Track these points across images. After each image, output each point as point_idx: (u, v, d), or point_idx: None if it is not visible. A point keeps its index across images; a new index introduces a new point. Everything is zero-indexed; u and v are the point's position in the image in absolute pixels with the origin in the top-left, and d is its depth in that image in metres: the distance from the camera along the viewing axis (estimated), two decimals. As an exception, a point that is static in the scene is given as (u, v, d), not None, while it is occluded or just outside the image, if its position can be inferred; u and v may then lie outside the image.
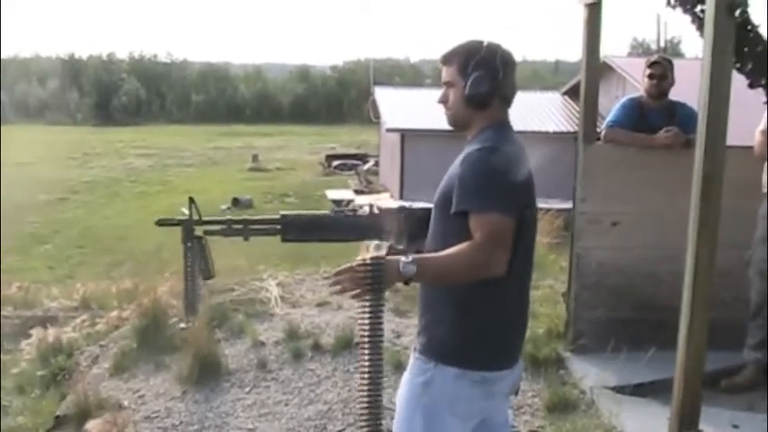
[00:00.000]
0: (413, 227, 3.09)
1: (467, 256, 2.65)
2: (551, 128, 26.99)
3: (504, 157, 2.75)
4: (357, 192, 30.49)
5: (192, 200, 3.34)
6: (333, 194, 28.80)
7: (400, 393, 3.00)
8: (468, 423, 2.92)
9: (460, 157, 2.81)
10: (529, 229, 2.88)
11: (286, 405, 5.27)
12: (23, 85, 68.37)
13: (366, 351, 2.85)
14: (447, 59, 2.92)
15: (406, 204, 3.28)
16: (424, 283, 2.85)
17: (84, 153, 44.58)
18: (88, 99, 67.60)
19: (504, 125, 2.91)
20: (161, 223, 3.40)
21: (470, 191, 2.70)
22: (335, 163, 38.99)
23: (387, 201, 24.98)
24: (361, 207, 3.28)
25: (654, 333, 4.96)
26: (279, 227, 3.27)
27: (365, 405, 2.91)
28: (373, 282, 2.66)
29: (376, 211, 3.22)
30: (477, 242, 2.64)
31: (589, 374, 5.24)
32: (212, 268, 3.44)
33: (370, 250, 2.79)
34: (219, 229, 3.33)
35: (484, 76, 2.82)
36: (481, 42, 2.88)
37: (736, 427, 4.63)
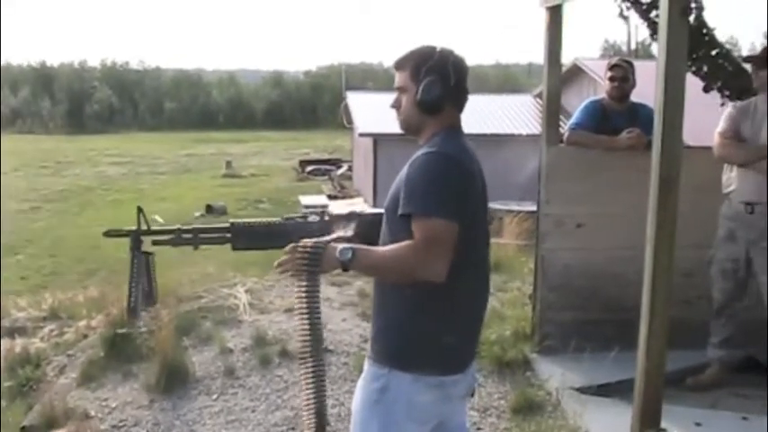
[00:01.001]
0: (364, 232, 3.10)
1: (400, 256, 2.68)
2: (524, 130, 27.07)
3: (451, 162, 2.76)
4: (331, 197, 30.49)
5: (140, 209, 3.32)
6: (306, 200, 28.74)
7: (355, 399, 3.00)
8: (425, 427, 2.93)
9: (409, 161, 2.82)
10: (479, 234, 2.89)
11: (253, 412, 5.26)
12: (-6, 93, 67.83)
13: (304, 330, 2.84)
14: (400, 65, 2.94)
15: (357, 210, 3.28)
16: (361, 273, 2.94)
17: (57, 161, 44.31)
18: (60, 107, 67.18)
19: (455, 131, 2.92)
20: (109, 234, 3.39)
21: (413, 194, 2.71)
22: (309, 168, 38.98)
23: (362, 205, 25.01)
24: (310, 214, 3.28)
25: (620, 333, 4.98)
26: (228, 235, 3.25)
27: (308, 399, 2.89)
28: (310, 263, 2.72)
29: (326, 217, 3.22)
30: (412, 244, 2.67)
31: (555, 376, 5.27)
32: (155, 293, 3.44)
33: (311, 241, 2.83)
34: (169, 239, 3.32)
35: (436, 82, 2.83)
36: (434, 48, 2.90)
37: (698, 424, 4.66)
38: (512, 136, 26.10)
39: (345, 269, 2.77)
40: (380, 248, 2.79)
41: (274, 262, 2.80)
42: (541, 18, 5.64)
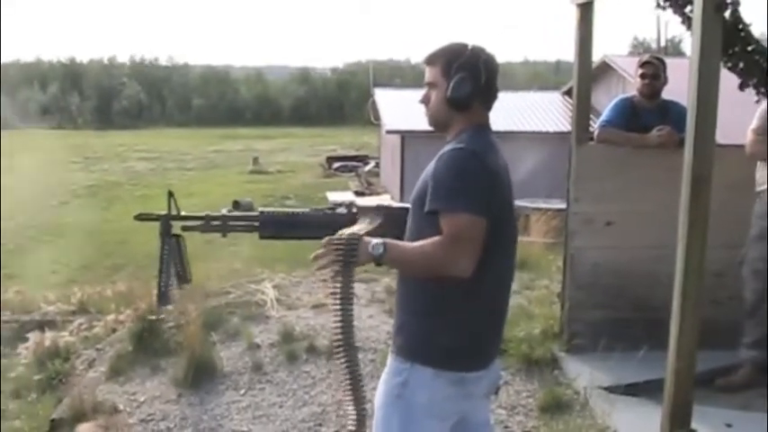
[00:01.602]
0: (391, 225, 3.09)
1: (428, 252, 2.69)
2: (551, 128, 26.98)
3: (478, 159, 2.76)
4: (358, 193, 30.47)
5: (171, 194, 3.32)
6: (333, 196, 28.74)
7: (378, 393, 3.00)
8: (446, 423, 2.92)
9: (436, 157, 2.82)
10: (505, 231, 2.87)
11: (280, 407, 5.27)
12: (25, 89, 68.43)
13: (338, 323, 2.79)
14: (431, 60, 2.93)
15: (385, 203, 3.27)
16: (391, 267, 2.91)
17: (86, 157, 44.60)
18: (89, 103, 67.68)
19: (483, 128, 2.92)
20: (139, 218, 3.39)
21: (441, 190, 2.72)
22: (336, 165, 38.98)
23: (389, 201, 25.01)
24: (339, 205, 3.27)
25: (649, 333, 4.95)
26: (257, 223, 3.25)
27: (346, 390, 2.85)
28: (346, 255, 2.70)
29: (354, 209, 3.21)
30: (440, 241, 2.67)
31: (583, 374, 5.23)
32: (189, 273, 3.43)
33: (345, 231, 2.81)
34: (198, 225, 3.31)
35: (466, 79, 2.82)
36: (465, 45, 2.89)
37: (729, 425, 4.62)
38: (539, 133, 26.02)
39: (378, 264, 2.76)
40: (410, 244, 2.79)
41: (310, 255, 2.79)
42: (572, 15, 5.61)
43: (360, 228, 2.89)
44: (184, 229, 3.30)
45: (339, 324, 2.78)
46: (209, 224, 3.31)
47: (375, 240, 2.73)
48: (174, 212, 3.30)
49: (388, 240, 2.77)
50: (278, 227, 3.26)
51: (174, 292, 3.69)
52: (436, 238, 2.68)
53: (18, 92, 67.44)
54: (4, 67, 71.87)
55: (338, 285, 2.75)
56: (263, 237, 3.27)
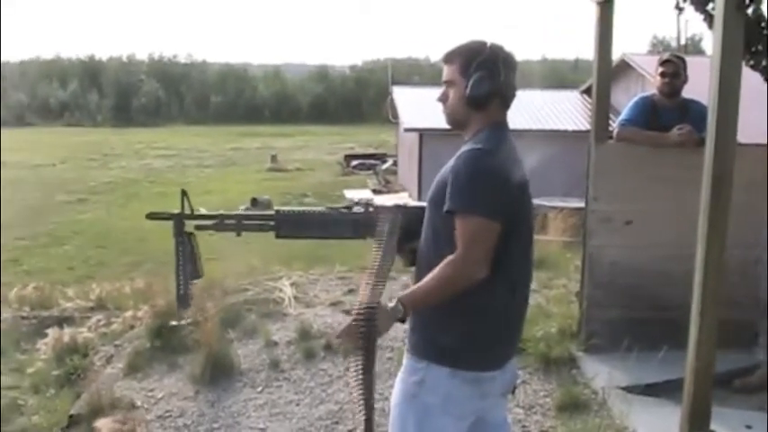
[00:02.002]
0: (408, 224, 3.08)
1: (446, 277, 2.70)
2: (570, 126, 26.88)
3: (496, 160, 2.75)
4: (375, 191, 30.47)
5: (184, 192, 3.29)
6: (351, 194, 28.76)
7: (394, 393, 3.00)
8: (462, 422, 2.92)
9: (455, 155, 2.81)
10: (522, 231, 2.87)
11: (297, 405, 5.28)
12: (44, 86, 68.80)
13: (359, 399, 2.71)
14: (449, 58, 2.92)
15: (402, 202, 3.26)
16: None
17: (104, 154, 44.76)
18: (108, 100, 67.94)
19: (501, 127, 2.91)
20: (151, 217, 3.37)
21: (458, 191, 2.71)
22: (354, 163, 38.94)
23: (407, 199, 25.00)
24: (356, 204, 3.25)
25: (667, 332, 4.92)
26: (272, 223, 3.23)
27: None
28: (368, 330, 2.66)
29: (371, 208, 3.19)
30: (454, 258, 2.69)
31: (601, 374, 5.21)
32: (200, 268, 3.40)
33: (364, 289, 2.76)
34: (212, 224, 3.29)
35: (485, 77, 2.81)
36: (484, 43, 2.88)
37: (749, 427, 4.60)
38: (558, 132, 25.92)
39: (403, 321, 2.77)
40: (424, 281, 2.77)
41: (336, 334, 2.75)
42: (591, 13, 5.59)
43: (374, 293, 2.81)
44: (198, 228, 3.28)
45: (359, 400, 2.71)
46: (223, 223, 3.29)
47: (391, 304, 2.71)
48: (187, 211, 3.28)
49: (403, 294, 2.76)
50: (294, 226, 3.24)
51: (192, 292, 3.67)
52: (448, 259, 2.69)
53: (38, 89, 67.85)
54: (24, 65, 72.48)
55: (360, 359, 2.69)
56: (278, 236, 3.25)
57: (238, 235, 3.30)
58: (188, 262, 3.33)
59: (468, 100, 2.85)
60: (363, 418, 2.71)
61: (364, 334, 2.65)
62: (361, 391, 2.69)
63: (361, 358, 2.67)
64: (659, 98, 5.74)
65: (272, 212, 3.25)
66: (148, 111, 67.91)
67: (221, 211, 3.34)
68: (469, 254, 2.66)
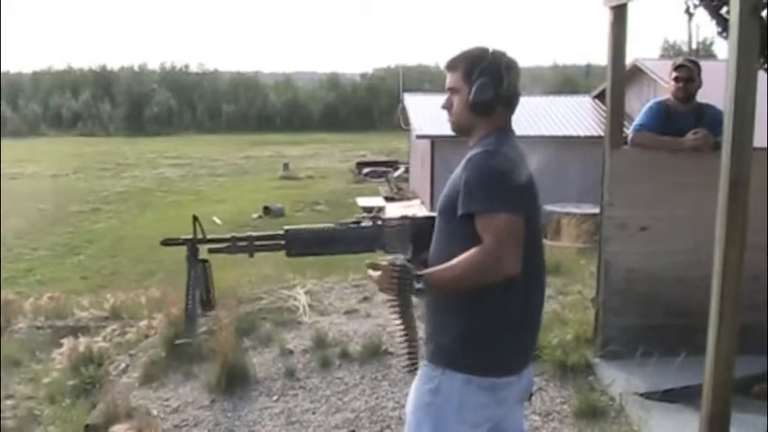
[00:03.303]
0: (417, 236, 3.10)
1: (477, 262, 2.66)
2: (582, 132, 26.84)
3: (507, 160, 2.76)
4: (387, 199, 30.51)
5: (195, 218, 3.31)
6: (363, 202, 28.81)
7: (409, 400, 3.00)
8: (478, 429, 2.91)
9: (463, 162, 2.81)
10: (534, 234, 2.87)
11: (314, 413, 5.26)
12: (57, 96, 69.17)
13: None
14: (452, 65, 2.93)
15: (410, 214, 3.27)
16: (439, 294, 2.84)
17: (117, 164, 44.98)
18: (120, 110, 68.32)
19: (506, 132, 2.91)
20: (166, 243, 3.38)
21: (476, 193, 2.70)
22: (366, 170, 39.01)
23: (417, 208, 24.99)
24: (363, 219, 3.26)
25: (684, 338, 4.89)
26: (283, 242, 3.24)
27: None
28: (401, 288, 2.71)
29: (379, 222, 3.21)
30: (485, 246, 2.65)
31: (618, 381, 5.18)
32: (213, 299, 3.42)
33: (397, 258, 2.82)
34: (224, 247, 3.31)
35: (488, 83, 2.82)
36: (486, 49, 2.89)
37: (769, 433, 4.56)
38: (570, 138, 25.88)
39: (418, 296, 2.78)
40: (450, 264, 2.73)
41: (369, 273, 2.79)
42: (604, 17, 5.57)
43: (397, 259, 2.84)
44: (210, 251, 3.30)
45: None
46: (235, 246, 3.30)
47: (414, 277, 2.71)
48: (199, 236, 3.30)
49: (428, 272, 2.75)
50: (304, 244, 3.25)
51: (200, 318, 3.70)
52: (478, 247, 2.66)
53: (50, 99, 68.21)
54: (37, 75, 72.85)
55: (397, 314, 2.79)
56: (289, 255, 3.27)
57: (251, 256, 3.32)
58: (198, 287, 3.35)
59: (472, 106, 2.86)
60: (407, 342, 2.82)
61: (398, 288, 2.71)
62: (401, 324, 2.79)
63: (398, 306, 2.77)
64: (673, 103, 5.72)
65: (281, 232, 3.26)
66: (160, 120, 68.25)
67: (232, 234, 3.35)
68: (503, 247, 2.64)
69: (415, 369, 2.84)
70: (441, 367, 2.86)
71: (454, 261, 2.71)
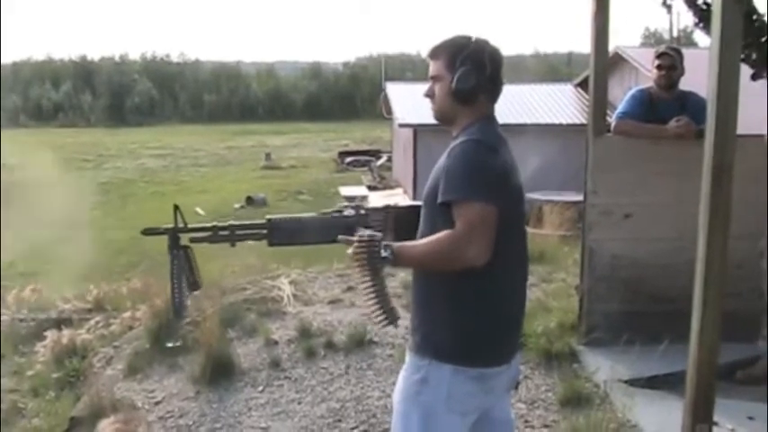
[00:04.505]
0: (399, 225, 3.10)
1: (441, 244, 2.69)
2: (564, 120, 26.88)
3: (489, 149, 2.76)
4: (370, 188, 30.46)
5: (176, 207, 3.29)
6: (346, 191, 28.76)
7: (397, 390, 3.00)
8: (467, 419, 2.91)
9: (446, 151, 2.82)
10: (517, 223, 2.88)
11: (299, 404, 5.26)
12: (37, 87, 68.70)
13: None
14: (434, 54, 2.92)
15: (392, 202, 3.27)
16: (404, 269, 2.88)
17: (99, 155, 44.70)
18: (101, 100, 67.86)
19: (489, 120, 2.90)
20: (147, 233, 3.37)
21: (453, 182, 2.71)
22: (348, 159, 38.93)
23: (400, 197, 25.00)
24: (346, 208, 3.25)
25: (668, 325, 4.90)
26: (265, 231, 3.23)
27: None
28: (369, 257, 2.73)
29: (362, 211, 3.20)
30: (452, 232, 2.67)
31: (603, 368, 5.21)
32: (199, 279, 3.41)
33: (365, 232, 2.82)
34: (206, 236, 3.29)
35: (471, 71, 2.81)
36: (469, 38, 2.88)
37: (751, 418, 4.61)
38: (552, 126, 25.91)
39: (393, 266, 2.79)
40: (421, 241, 2.79)
41: (348, 251, 2.80)
42: (586, 6, 5.57)
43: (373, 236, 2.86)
44: (192, 240, 3.28)
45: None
46: (217, 235, 3.28)
47: (383, 244, 2.75)
48: (180, 225, 3.28)
49: (396, 245, 2.78)
50: (287, 233, 3.23)
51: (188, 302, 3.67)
52: (448, 231, 2.68)
53: (30, 90, 67.74)
54: (17, 66, 72.38)
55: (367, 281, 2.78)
56: (271, 244, 3.25)
57: (233, 245, 3.30)
58: (183, 275, 3.33)
59: (454, 94, 2.85)
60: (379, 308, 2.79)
61: (368, 261, 2.73)
62: (370, 284, 2.77)
63: (368, 279, 2.76)
64: (656, 91, 5.74)
65: (264, 222, 3.25)
66: (142, 110, 67.84)
67: (214, 223, 3.33)
68: (469, 235, 2.64)
69: (393, 320, 2.82)
70: (428, 358, 2.86)
71: (424, 240, 2.76)
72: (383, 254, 2.72)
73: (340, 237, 2.87)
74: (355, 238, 2.78)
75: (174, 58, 79.52)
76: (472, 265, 2.65)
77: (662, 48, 5.90)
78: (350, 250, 2.79)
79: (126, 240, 20.79)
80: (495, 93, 2.92)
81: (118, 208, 28.84)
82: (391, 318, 2.79)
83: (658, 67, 5.69)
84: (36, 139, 48.59)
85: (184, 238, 3.27)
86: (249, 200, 27.56)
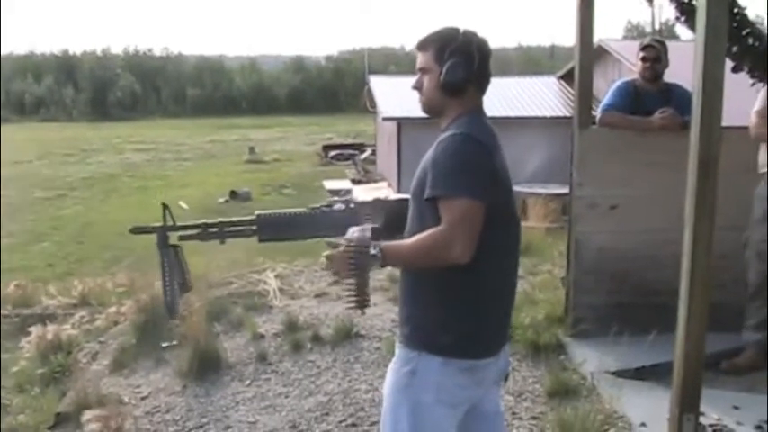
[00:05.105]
0: (389, 219, 3.09)
1: (427, 243, 2.68)
2: (547, 113, 26.92)
3: (477, 143, 2.74)
4: (355, 181, 30.43)
5: (165, 206, 3.27)
6: (330, 185, 28.73)
7: (386, 382, 2.99)
8: (456, 411, 2.91)
9: (434, 144, 2.80)
10: (506, 216, 2.86)
11: (286, 397, 5.26)
12: (19, 82, 68.30)
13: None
14: (423, 46, 2.91)
15: (382, 197, 3.26)
16: (395, 267, 2.90)
17: (81, 149, 44.48)
18: (84, 95, 67.53)
19: (478, 113, 2.89)
20: (135, 231, 3.35)
21: (440, 176, 2.70)
22: (332, 153, 38.87)
23: (386, 190, 24.99)
24: (335, 202, 3.25)
25: (655, 317, 4.92)
26: (254, 228, 3.22)
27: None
28: (356, 264, 2.72)
29: (352, 205, 3.19)
30: (437, 230, 2.66)
31: (590, 359, 5.23)
32: (189, 281, 3.40)
33: (354, 233, 2.81)
34: (195, 234, 3.28)
35: (459, 64, 2.80)
36: (457, 30, 2.87)
37: (736, 408, 4.62)
38: (535, 119, 25.95)
39: (381, 267, 2.80)
40: (406, 241, 2.78)
41: (322, 255, 2.80)
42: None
43: (365, 228, 2.86)
44: (181, 238, 3.27)
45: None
46: (206, 232, 3.27)
47: (372, 250, 2.74)
48: (169, 223, 3.26)
49: (385, 244, 2.77)
50: (276, 229, 3.22)
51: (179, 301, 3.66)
52: (434, 229, 2.67)
53: (12, 85, 67.33)
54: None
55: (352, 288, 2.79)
56: (261, 240, 3.25)
57: (222, 242, 3.30)
58: (174, 273, 3.32)
59: (442, 87, 2.84)
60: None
61: (354, 269, 2.73)
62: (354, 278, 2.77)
63: (354, 285, 2.78)
64: (641, 83, 5.76)
65: (253, 218, 3.24)
66: (125, 105, 67.56)
67: (203, 221, 3.32)
68: (454, 233, 2.63)
69: (363, 308, 2.83)
70: (417, 350, 2.85)
71: (410, 239, 2.75)
72: (372, 252, 2.72)
73: (326, 240, 2.85)
74: (343, 242, 2.77)
75: (157, 52, 79.25)
76: (456, 262, 2.65)
77: (647, 40, 5.92)
78: (335, 251, 2.78)
79: (110, 235, 20.70)
80: (483, 85, 2.90)
81: (102, 202, 28.73)
82: (362, 306, 2.81)
83: (643, 59, 5.70)
84: (18, 134, 48.38)
85: (173, 236, 3.27)
86: (233, 194, 27.49)
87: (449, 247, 2.63)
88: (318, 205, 3.25)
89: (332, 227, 3.00)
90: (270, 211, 3.28)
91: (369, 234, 2.80)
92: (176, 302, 3.42)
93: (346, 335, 6.00)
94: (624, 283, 5.57)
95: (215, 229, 3.28)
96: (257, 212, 3.26)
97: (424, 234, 2.69)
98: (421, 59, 2.92)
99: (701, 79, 3.69)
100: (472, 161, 2.70)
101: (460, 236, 2.63)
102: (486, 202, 2.68)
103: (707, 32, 3.65)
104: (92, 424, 4.97)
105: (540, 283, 6.84)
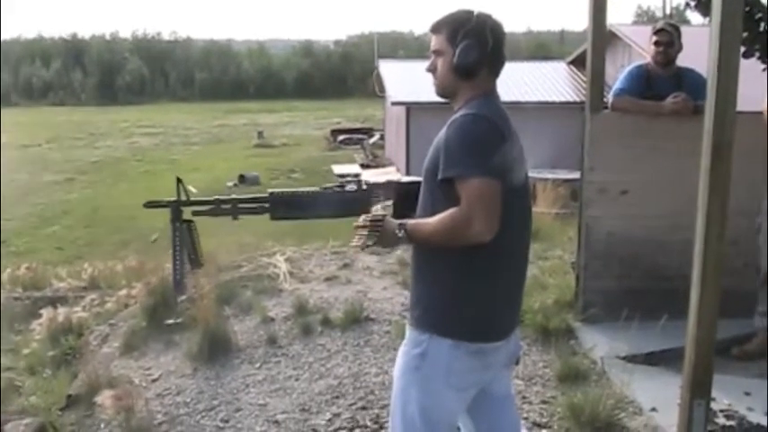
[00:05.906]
0: (401, 200, 3.10)
1: (448, 222, 2.70)
2: (557, 98, 26.86)
3: (488, 123, 2.74)
4: (363, 166, 30.43)
5: (179, 181, 3.29)
6: (339, 169, 28.72)
7: (397, 365, 2.99)
8: (465, 393, 2.92)
9: (446, 125, 2.80)
10: (519, 199, 2.86)
11: (296, 380, 5.26)
12: (27, 66, 68.38)
13: None
14: (436, 28, 2.90)
15: (394, 179, 3.27)
16: (416, 247, 2.91)
17: (90, 133, 44.59)
18: (92, 79, 67.63)
19: (491, 96, 2.88)
20: (149, 205, 3.36)
21: (455, 157, 2.70)
22: (341, 137, 38.89)
23: (395, 174, 24.96)
24: (348, 183, 3.25)
25: (665, 302, 4.89)
26: (267, 205, 3.22)
27: None
28: (372, 234, 2.80)
29: (364, 186, 3.19)
30: (460, 209, 2.67)
31: (600, 344, 5.22)
32: (201, 257, 3.41)
33: (378, 209, 2.82)
34: (208, 209, 3.28)
35: (473, 46, 2.79)
36: (471, 12, 2.85)
37: (748, 394, 4.61)
38: (545, 104, 25.90)
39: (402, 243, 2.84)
40: (428, 219, 2.78)
41: (333, 248, 2.83)
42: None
43: (387, 206, 2.88)
44: (194, 213, 3.27)
45: None
46: (219, 208, 3.29)
47: (396, 223, 2.79)
48: (183, 198, 3.26)
49: (408, 222, 2.80)
50: (288, 207, 3.24)
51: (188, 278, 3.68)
52: (455, 209, 2.67)
53: (21, 69, 67.41)
54: (6, 45, 71.95)
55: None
56: (273, 218, 3.24)
57: (235, 218, 3.29)
58: (185, 249, 3.33)
59: (455, 69, 2.82)
60: None
61: (372, 238, 2.81)
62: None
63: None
64: (653, 67, 5.73)
65: (266, 195, 3.24)
66: (133, 89, 67.67)
67: (216, 197, 3.33)
68: (471, 212, 2.64)
69: (365, 248, 2.88)
70: (428, 332, 2.85)
71: (433, 218, 2.75)
72: (399, 235, 2.77)
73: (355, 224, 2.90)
74: (369, 215, 2.82)
75: (166, 36, 79.48)
76: (478, 241, 2.65)
77: (660, 24, 5.88)
78: (360, 221, 2.83)
79: (119, 219, 20.76)
80: (496, 67, 2.89)
81: (110, 186, 28.79)
82: (365, 246, 2.85)
83: (656, 43, 5.67)
84: (26, 117, 48.42)
85: (187, 213, 3.27)
86: (242, 178, 27.52)
87: (468, 225, 2.64)
88: (330, 185, 3.26)
89: (344, 207, 3.00)
90: (283, 190, 3.29)
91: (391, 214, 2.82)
92: (184, 279, 3.43)
93: (356, 318, 6.00)
94: (634, 268, 5.56)
95: (228, 206, 3.29)
96: (270, 191, 3.27)
97: (445, 213, 2.69)
98: (434, 42, 2.90)
99: (715, 64, 3.67)
100: (484, 140, 2.70)
101: (479, 213, 2.63)
102: (501, 180, 2.68)
103: (723, 17, 3.63)
104: (106, 401, 4.98)
105: (549, 268, 6.83)
